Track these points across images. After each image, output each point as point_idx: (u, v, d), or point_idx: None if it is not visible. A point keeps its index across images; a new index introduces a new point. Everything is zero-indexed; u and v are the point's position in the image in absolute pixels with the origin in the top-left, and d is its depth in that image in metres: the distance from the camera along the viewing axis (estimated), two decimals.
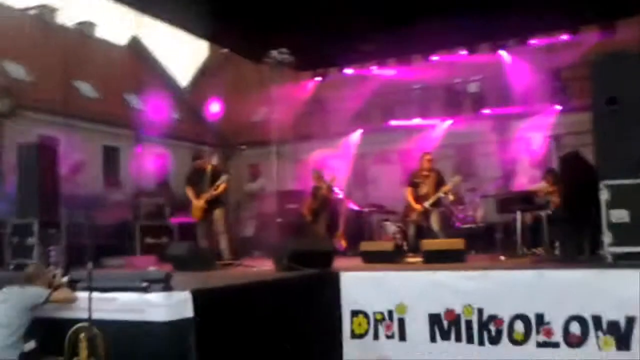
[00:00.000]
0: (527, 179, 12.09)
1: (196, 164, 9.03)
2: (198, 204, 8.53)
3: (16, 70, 16.57)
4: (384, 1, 9.00)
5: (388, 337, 5.98)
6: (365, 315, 6.11)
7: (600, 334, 5.23)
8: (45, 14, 20.55)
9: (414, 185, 9.17)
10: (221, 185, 8.56)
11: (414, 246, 8.74)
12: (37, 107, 15.89)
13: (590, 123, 6.25)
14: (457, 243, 7.51)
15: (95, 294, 4.50)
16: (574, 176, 7.46)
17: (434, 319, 5.82)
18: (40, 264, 5.45)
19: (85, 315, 4.45)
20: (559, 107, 12.79)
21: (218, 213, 8.60)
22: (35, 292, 4.81)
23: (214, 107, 15.15)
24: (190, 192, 8.68)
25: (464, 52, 11.37)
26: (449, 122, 13.93)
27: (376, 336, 6.04)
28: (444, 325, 5.77)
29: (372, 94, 15.31)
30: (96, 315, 4.47)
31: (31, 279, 4.94)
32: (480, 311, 5.66)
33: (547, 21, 9.97)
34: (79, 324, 4.49)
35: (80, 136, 15.91)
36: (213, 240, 8.49)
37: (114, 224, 10.39)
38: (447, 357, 5.75)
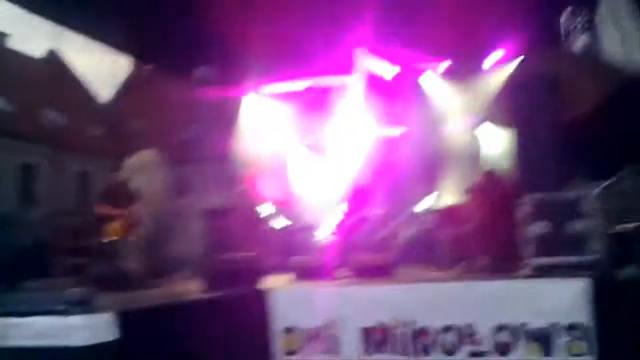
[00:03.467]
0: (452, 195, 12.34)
1: (112, 179, 8.49)
2: (118, 221, 7.93)
3: None
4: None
5: (321, 352, 5.92)
6: (297, 331, 6.04)
7: (526, 341, 5.39)
8: None
9: (346, 200, 9.20)
10: (145, 201, 8.18)
11: (344, 261, 8.73)
12: None
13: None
14: (387, 257, 7.58)
15: (9, 320, 4.20)
16: (492, 192, 7.77)
17: (367, 333, 5.83)
18: None
19: None
20: None
21: (139, 231, 8.16)
22: None
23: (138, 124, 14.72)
24: (106, 210, 8.00)
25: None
26: None
27: (308, 352, 5.97)
28: (376, 339, 5.79)
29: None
30: (10, 343, 4.16)
31: None
32: (412, 323, 5.73)
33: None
34: None
35: None
36: (136, 260, 8.08)
37: (31, 244, 9.76)
38: None
